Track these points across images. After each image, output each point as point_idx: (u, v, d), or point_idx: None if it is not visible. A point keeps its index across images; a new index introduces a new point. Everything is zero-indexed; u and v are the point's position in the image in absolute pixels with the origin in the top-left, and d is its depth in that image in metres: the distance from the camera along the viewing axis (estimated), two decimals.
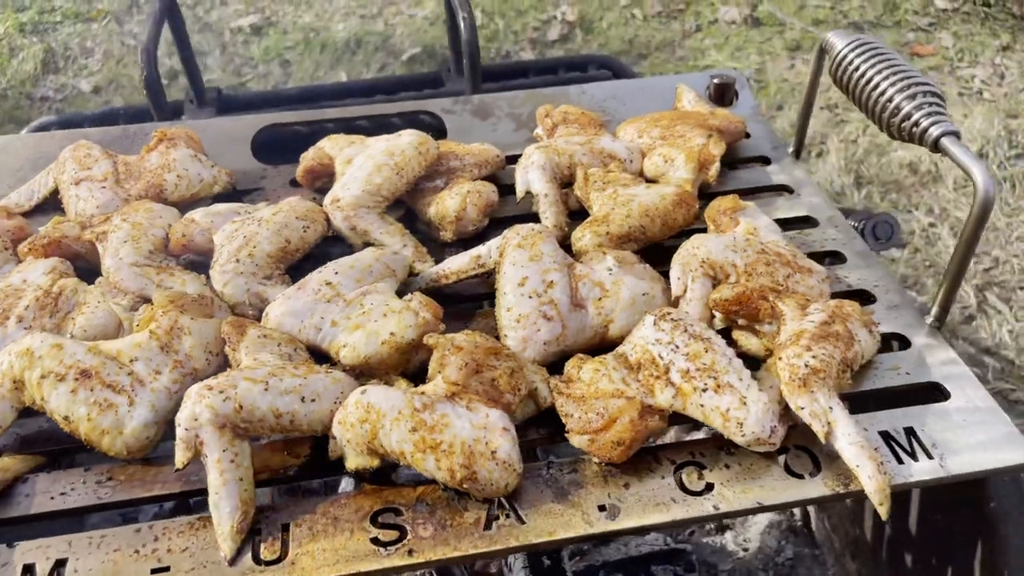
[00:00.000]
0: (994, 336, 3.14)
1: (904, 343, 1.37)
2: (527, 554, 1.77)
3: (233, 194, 1.69)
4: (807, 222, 1.63)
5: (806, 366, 1.17)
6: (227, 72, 4.80)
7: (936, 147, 1.33)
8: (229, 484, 1.09)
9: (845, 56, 1.51)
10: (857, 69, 1.47)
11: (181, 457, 1.11)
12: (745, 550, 2.34)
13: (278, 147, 1.84)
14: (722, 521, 2.40)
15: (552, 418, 1.23)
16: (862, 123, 4.24)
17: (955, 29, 5.06)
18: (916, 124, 1.36)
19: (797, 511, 2.38)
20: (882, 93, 1.41)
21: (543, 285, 1.32)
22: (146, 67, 1.82)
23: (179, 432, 1.11)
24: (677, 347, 1.20)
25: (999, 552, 1.45)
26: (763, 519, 2.36)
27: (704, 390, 1.16)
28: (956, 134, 1.32)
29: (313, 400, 1.16)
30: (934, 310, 1.39)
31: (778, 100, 4.42)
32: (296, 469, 1.19)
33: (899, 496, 1.79)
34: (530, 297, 1.30)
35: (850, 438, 1.14)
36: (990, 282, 3.36)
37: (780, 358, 1.19)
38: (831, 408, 1.15)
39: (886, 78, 1.42)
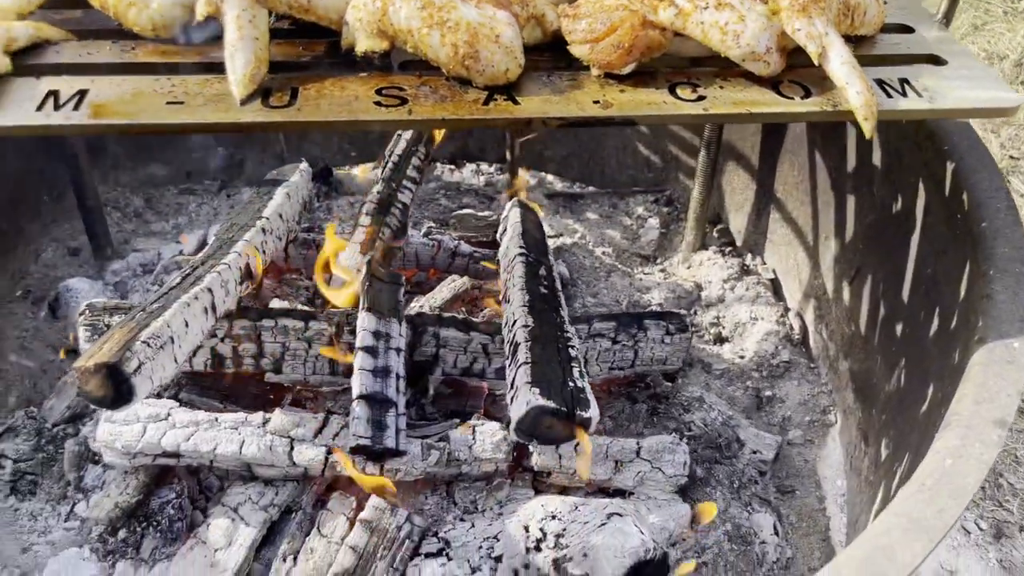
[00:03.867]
0: None
1: (908, 30, 1.40)
2: (527, 281, 1.82)
3: None
4: None
5: None
6: None
7: None
8: (245, 39, 1.15)
9: None
10: None
11: (201, 10, 1.17)
12: (741, 357, 2.38)
13: None
14: (721, 332, 2.44)
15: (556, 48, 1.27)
16: None
17: None
18: None
19: (797, 325, 2.42)
20: None
21: None
22: None
23: None
24: None
25: (985, 258, 1.47)
26: (761, 329, 2.40)
27: (705, 8, 1.20)
28: None
29: None
30: (942, 8, 1.42)
31: None
32: (311, 58, 1.25)
33: (902, 225, 1.83)
34: None
35: (842, 58, 1.17)
36: None
37: None
38: (827, 33, 1.19)
39: None
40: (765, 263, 2.57)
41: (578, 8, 1.26)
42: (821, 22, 1.19)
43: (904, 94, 1.22)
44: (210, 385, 1.86)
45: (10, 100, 1.11)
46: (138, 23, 1.23)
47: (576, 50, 1.23)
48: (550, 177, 3.05)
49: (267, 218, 1.96)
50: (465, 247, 2.33)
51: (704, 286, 2.54)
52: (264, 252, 1.91)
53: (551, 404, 1.43)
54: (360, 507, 1.65)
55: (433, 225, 2.51)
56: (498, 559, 1.61)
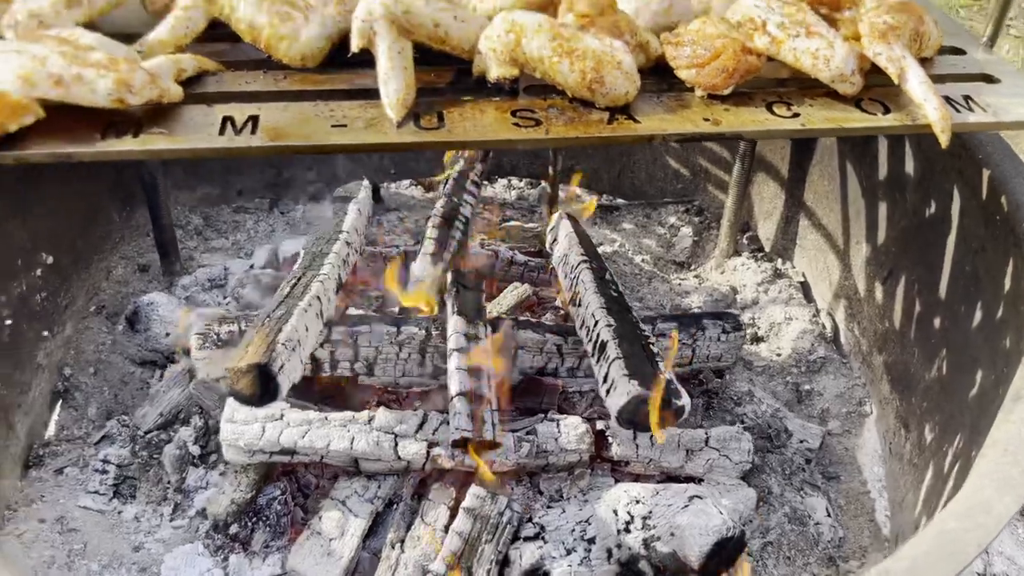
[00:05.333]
0: None
1: (961, 52, 1.57)
2: (598, 286, 1.97)
3: None
4: None
5: (884, 23, 1.37)
6: None
7: None
8: (396, 68, 1.29)
9: None
10: None
11: (356, 43, 1.31)
12: (778, 355, 2.54)
13: None
14: (757, 332, 2.60)
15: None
16: None
17: None
18: None
19: (828, 324, 2.58)
20: None
21: None
22: None
23: (355, 24, 1.31)
24: (774, 9, 1.40)
25: None
26: (795, 329, 2.56)
27: (797, 36, 1.36)
28: None
29: (463, 22, 1.36)
30: (988, 31, 1.59)
31: None
32: (444, 84, 1.39)
33: (936, 227, 1.99)
34: None
35: (919, 78, 1.34)
36: None
37: (862, 20, 1.39)
38: (904, 57, 1.35)
39: None
40: (795, 267, 2.74)
41: (680, 36, 1.41)
42: (899, 46, 1.36)
43: (971, 109, 1.39)
44: (303, 388, 1.98)
45: (192, 125, 1.24)
46: (288, 55, 1.37)
47: (683, 73, 1.38)
48: (579, 190, 3.21)
49: (347, 232, 2.09)
50: (520, 256, 2.47)
51: (739, 289, 2.70)
52: (348, 264, 2.04)
53: (651, 393, 1.57)
54: (459, 497, 1.78)
55: (484, 237, 2.64)
56: (591, 541, 1.74)
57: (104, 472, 1.96)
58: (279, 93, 1.34)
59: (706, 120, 1.33)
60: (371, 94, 1.32)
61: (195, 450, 1.97)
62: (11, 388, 2.05)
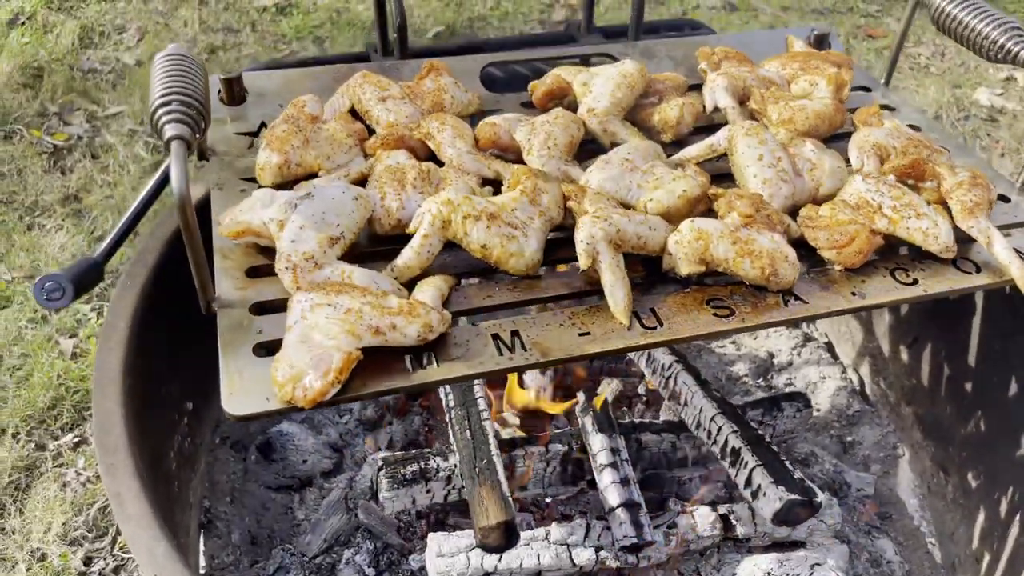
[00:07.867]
0: None
1: (1006, 200, 1.98)
2: (703, 389, 2.32)
3: (481, 115, 2.16)
4: (913, 127, 2.23)
5: (972, 200, 1.76)
6: (263, 47, 5.15)
7: (1015, 60, 1.95)
8: (618, 279, 1.60)
9: (942, 7, 2.11)
10: (954, 17, 2.08)
11: (584, 263, 1.61)
12: (818, 411, 2.95)
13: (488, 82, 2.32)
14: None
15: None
16: None
17: (898, 15, 5.87)
18: (1006, 49, 1.97)
19: (855, 378, 3.01)
20: (977, 31, 2.02)
21: (774, 159, 1.87)
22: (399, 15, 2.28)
23: (581, 247, 1.61)
24: (883, 193, 1.77)
25: None
26: (830, 386, 2.98)
27: (908, 218, 1.74)
28: None
29: (654, 229, 1.68)
30: (1021, 178, 2.02)
31: None
32: (639, 279, 1.71)
33: (961, 309, 2.41)
34: (769, 167, 1.86)
35: (1002, 244, 1.74)
36: None
37: (951, 198, 1.79)
38: (989, 228, 1.75)
39: (977, 19, 2.03)
40: (817, 329, 3.17)
41: (815, 221, 1.77)
42: (983, 219, 1.76)
43: None
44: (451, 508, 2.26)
45: (472, 348, 1.51)
46: (516, 268, 1.65)
47: (824, 253, 1.74)
48: None
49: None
50: None
51: (775, 354, 3.11)
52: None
53: (798, 497, 1.93)
54: None
55: None
56: None
57: None
58: (519, 303, 1.62)
59: (854, 294, 1.69)
60: (583, 296, 1.64)
61: (371, 572, 2.22)
62: (184, 533, 2.25)
